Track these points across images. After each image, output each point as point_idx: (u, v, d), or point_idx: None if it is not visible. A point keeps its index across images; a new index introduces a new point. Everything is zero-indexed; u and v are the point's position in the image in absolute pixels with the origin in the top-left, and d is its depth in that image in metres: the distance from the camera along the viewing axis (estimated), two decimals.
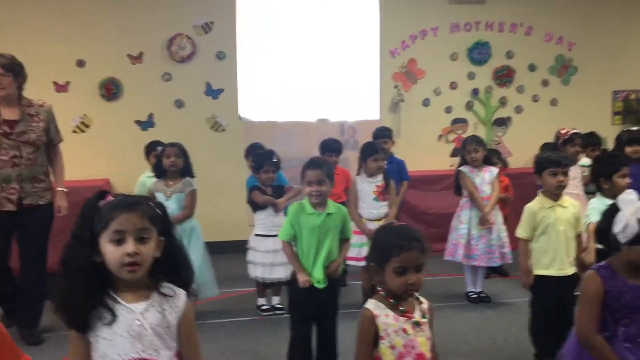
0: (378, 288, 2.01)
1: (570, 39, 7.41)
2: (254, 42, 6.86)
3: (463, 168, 4.88)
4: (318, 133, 6.53)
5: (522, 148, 7.06)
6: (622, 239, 2.13)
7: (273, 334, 4.18)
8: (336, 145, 5.27)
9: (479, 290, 4.95)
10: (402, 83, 7.18)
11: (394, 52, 7.13)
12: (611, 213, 2.19)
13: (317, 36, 6.98)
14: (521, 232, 3.53)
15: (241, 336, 4.24)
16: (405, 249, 1.92)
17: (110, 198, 1.69)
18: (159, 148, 4.61)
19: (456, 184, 5.02)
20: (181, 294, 1.74)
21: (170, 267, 1.73)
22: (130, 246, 1.61)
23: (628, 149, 5.12)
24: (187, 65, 6.67)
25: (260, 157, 4.65)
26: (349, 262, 4.55)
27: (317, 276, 3.23)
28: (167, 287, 1.73)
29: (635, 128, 6.12)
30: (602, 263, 2.26)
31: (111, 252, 1.62)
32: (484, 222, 4.75)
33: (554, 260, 3.43)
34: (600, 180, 3.55)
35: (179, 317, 1.71)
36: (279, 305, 4.61)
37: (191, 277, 1.77)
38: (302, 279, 3.22)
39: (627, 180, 3.48)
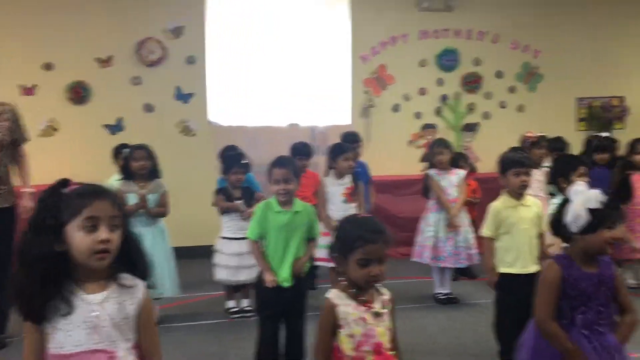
0: (340, 278, 2.03)
1: (536, 47, 7.57)
2: (224, 47, 6.86)
3: (430, 171, 4.95)
4: (289, 138, 6.51)
5: (490, 153, 7.07)
6: (574, 228, 2.19)
7: (241, 336, 4.16)
8: (306, 149, 5.28)
9: (447, 291, 5.00)
10: (373, 88, 7.26)
11: (364, 57, 7.21)
12: (563, 205, 2.26)
13: (288, 41, 7.02)
14: (486, 231, 3.58)
15: (209, 339, 4.21)
16: (370, 242, 1.94)
17: (72, 186, 1.68)
18: (126, 150, 4.57)
19: (424, 187, 5.08)
20: (140, 284, 1.73)
21: (129, 258, 1.72)
22: (103, 233, 1.61)
23: (596, 156, 5.27)
24: (157, 69, 6.64)
25: (229, 159, 4.64)
26: (319, 264, 4.57)
27: (284, 275, 3.24)
28: (127, 278, 1.71)
29: (604, 134, 6.27)
30: (561, 253, 2.32)
31: (81, 240, 1.60)
32: (451, 224, 4.82)
33: (518, 258, 3.49)
34: (559, 180, 3.66)
35: (137, 308, 1.70)
36: (248, 308, 4.59)
37: (148, 269, 1.76)
38: (268, 278, 3.23)
39: (586, 179, 3.58)
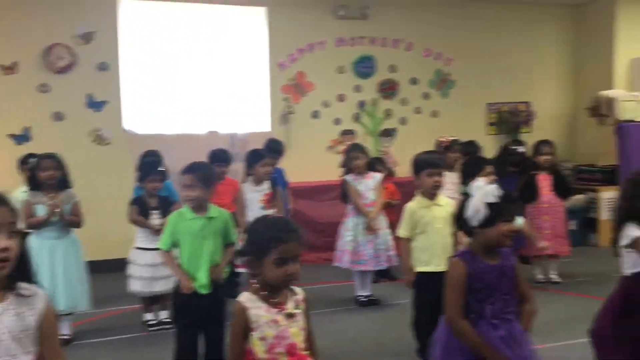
0: (251, 281, 2.01)
1: (448, 54, 7.86)
2: (138, 53, 6.68)
3: (347, 177, 5.01)
4: (208, 145, 6.41)
5: (407, 157, 7.24)
6: (474, 222, 2.28)
7: (159, 349, 4.03)
8: (224, 155, 5.22)
9: (368, 293, 5.07)
10: (292, 95, 7.28)
11: (282, 64, 7.22)
12: (465, 200, 2.34)
13: (205, 47, 6.92)
14: (402, 231, 3.67)
15: (126, 353, 4.07)
16: (285, 241, 1.93)
17: None
18: (32, 160, 4.34)
19: (342, 192, 5.14)
20: (40, 293, 1.64)
21: (25, 267, 1.63)
22: (3, 241, 1.52)
23: (510, 168, 5.53)
24: (66, 76, 6.37)
25: (145, 166, 4.51)
26: (241, 270, 4.52)
27: (201, 281, 3.18)
28: (25, 288, 1.62)
29: (520, 149, 6.45)
30: (464, 248, 2.40)
31: None
32: (369, 227, 4.89)
33: (433, 256, 3.59)
34: (469, 180, 3.79)
35: (38, 319, 1.61)
36: (167, 320, 4.46)
37: (36, 280, 1.68)
38: (184, 284, 3.15)
39: (492, 177, 3.76)
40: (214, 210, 3.28)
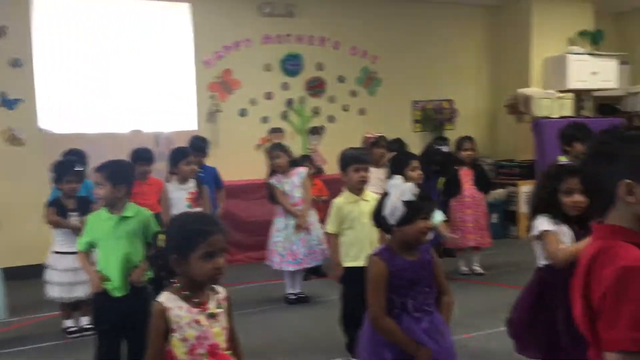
0: (171, 281, 1.95)
1: (374, 52, 7.97)
2: (56, 49, 6.38)
3: (272, 180, 4.98)
4: (132, 144, 6.22)
5: (336, 155, 7.35)
6: (392, 220, 2.30)
7: (79, 357, 3.86)
8: (147, 154, 5.08)
9: (297, 291, 5.06)
10: (218, 93, 7.17)
11: (208, 62, 7.10)
12: (383, 198, 2.36)
13: (127, 44, 6.70)
14: (330, 227, 3.68)
15: None
16: (212, 233, 1.90)
17: None
18: None
19: (269, 195, 5.10)
20: None
21: None
22: None
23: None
24: None
25: (60, 167, 4.30)
26: None
27: (114, 283, 3.07)
28: None
29: (446, 149, 6.63)
30: (383, 246, 2.40)
31: None
32: (299, 226, 4.89)
33: (361, 251, 3.60)
34: (396, 176, 3.85)
35: None
36: (88, 326, 4.28)
37: None
38: (93, 283, 3.07)
39: (419, 172, 3.83)
40: (130, 209, 3.16)
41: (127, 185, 3.17)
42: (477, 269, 5.83)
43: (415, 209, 2.27)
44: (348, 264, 3.62)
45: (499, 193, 7.47)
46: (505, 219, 7.62)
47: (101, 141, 6.53)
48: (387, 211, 2.30)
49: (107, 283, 3.06)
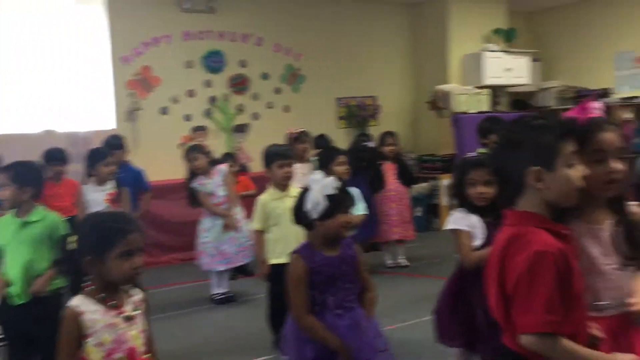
0: (83, 284, 1.86)
1: (298, 50, 7.96)
2: None
3: (193, 184, 4.88)
4: (45, 145, 5.91)
5: (261, 153, 7.34)
6: (314, 215, 2.29)
7: None
8: (60, 154, 4.86)
9: (224, 290, 4.98)
10: (138, 91, 6.95)
11: (126, 59, 6.86)
12: (303, 193, 2.35)
13: (39, 40, 6.36)
14: (255, 224, 3.63)
15: None
16: (129, 231, 1.84)
17: None
18: None
19: (190, 199, 4.99)
20: None
21: None
22: None
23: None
24: None
25: None
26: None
27: (15, 290, 2.90)
28: None
29: (370, 144, 6.71)
30: (303, 243, 2.38)
31: None
32: (227, 225, 4.81)
33: (287, 248, 3.51)
34: (323, 171, 3.86)
35: None
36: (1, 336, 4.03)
37: None
38: None
39: (345, 167, 3.86)
40: (37, 213, 2.97)
41: (34, 187, 2.98)
42: (402, 261, 5.94)
43: (336, 203, 2.27)
44: (274, 261, 3.58)
45: (422, 187, 7.66)
46: (428, 212, 7.82)
47: (11, 142, 6.16)
48: (308, 206, 2.29)
49: (9, 289, 2.88)
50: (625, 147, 1.73)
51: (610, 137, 1.70)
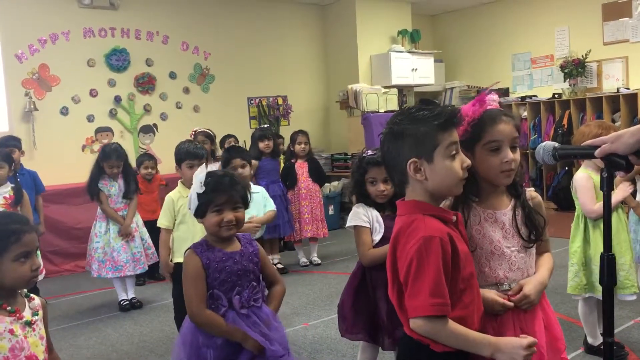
0: None
1: (206, 49, 7.81)
2: None
3: (99, 183, 4.67)
4: None
5: (170, 154, 7.09)
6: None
7: None
8: None
9: (130, 297, 4.78)
10: (34, 90, 6.54)
11: (20, 56, 6.45)
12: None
13: None
14: (162, 221, 3.50)
15: None
16: (25, 232, 1.74)
17: None
18: None
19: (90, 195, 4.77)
20: None
21: None
22: None
23: (261, 144, 5.67)
24: None
25: None
26: None
27: None
28: None
29: (265, 125, 6.78)
30: (201, 239, 2.25)
31: None
32: (122, 233, 4.63)
33: None
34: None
35: None
36: None
37: None
38: None
39: (247, 170, 3.83)
40: None
41: None
42: (316, 259, 5.95)
43: (207, 202, 2.16)
44: (179, 259, 3.46)
45: (334, 185, 7.73)
46: (341, 210, 7.90)
47: None
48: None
49: None
50: (519, 138, 1.80)
51: (505, 127, 1.75)
